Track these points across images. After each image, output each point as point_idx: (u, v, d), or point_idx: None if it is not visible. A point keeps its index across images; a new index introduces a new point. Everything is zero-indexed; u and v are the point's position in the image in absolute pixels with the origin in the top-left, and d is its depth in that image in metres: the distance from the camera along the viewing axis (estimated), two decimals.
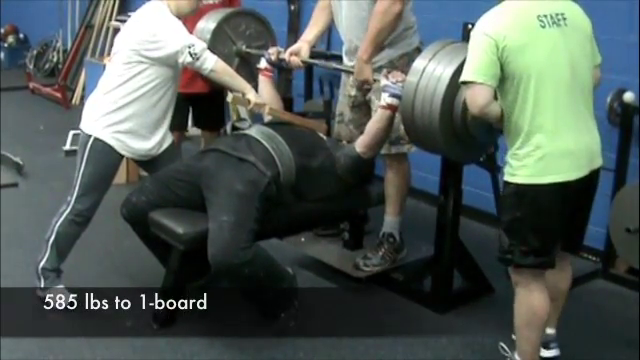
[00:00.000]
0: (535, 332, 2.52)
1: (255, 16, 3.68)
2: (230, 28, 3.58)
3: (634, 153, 3.43)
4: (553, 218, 2.41)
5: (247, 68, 3.52)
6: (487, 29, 2.34)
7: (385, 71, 3.02)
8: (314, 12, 3.46)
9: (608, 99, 3.43)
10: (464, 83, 2.39)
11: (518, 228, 2.41)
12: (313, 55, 3.53)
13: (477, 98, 2.34)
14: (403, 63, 3.12)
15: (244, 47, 3.61)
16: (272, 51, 3.40)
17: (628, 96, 3.39)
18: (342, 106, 3.45)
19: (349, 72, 3.22)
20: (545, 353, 2.71)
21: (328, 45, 4.64)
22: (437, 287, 3.22)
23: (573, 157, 2.37)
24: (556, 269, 2.52)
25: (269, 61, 3.40)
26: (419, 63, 2.72)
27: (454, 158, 2.88)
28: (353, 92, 3.32)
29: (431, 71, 2.67)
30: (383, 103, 2.98)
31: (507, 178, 2.42)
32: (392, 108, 2.96)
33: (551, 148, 2.33)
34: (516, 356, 2.61)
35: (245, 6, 4.02)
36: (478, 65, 2.34)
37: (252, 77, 3.41)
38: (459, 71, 2.53)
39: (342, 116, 3.45)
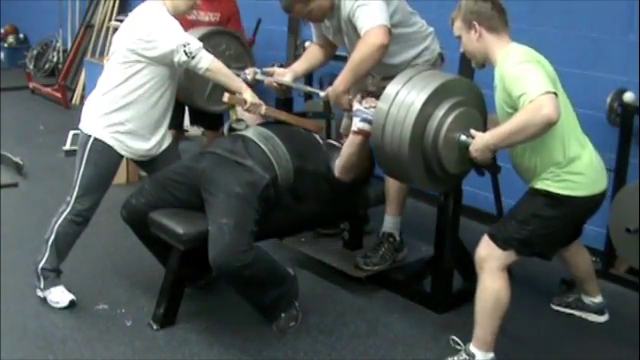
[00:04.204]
0: (497, 320, 2.62)
1: (236, 38, 3.65)
2: (210, 46, 3.55)
3: (634, 153, 3.43)
4: (569, 225, 2.73)
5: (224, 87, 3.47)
6: (529, 57, 2.50)
7: (359, 96, 3.01)
8: (306, 51, 3.51)
9: (608, 99, 3.43)
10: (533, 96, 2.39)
11: (536, 222, 2.60)
12: None
13: (558, 106, 2.35)
14: (426, 68, 3.15)
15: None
16: (249, 71, 3.41)
17: (628, 96, 3.39)
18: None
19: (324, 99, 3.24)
20: (601, 318, 3.11)
21: None
22: (437, 287, 3.22)
23: (602, 173, 2.67)
24: (580, 252, 3.02)
25: (245, 81, 3.38)
26: (391, 89, 2.67)
27: (422, 188, 2.82)
28: (370, 88, 3.31)
29: (402, 98, 2.62)
30: (354, 128, 2.96)
31: (540, 186, 2.60)
32: (363, 133, 2.92)
33: (590, 168, 2.60)
34: (472, 347, 2.67)
35: (230, 28, 4.01)
36: (543, 80, 2.40)
37: None
38: (431, 99, 2.57)
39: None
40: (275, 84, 3.37)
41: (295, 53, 4.58)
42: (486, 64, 2.68)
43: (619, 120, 3.43)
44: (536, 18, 3.87)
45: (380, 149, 2.71)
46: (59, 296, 3.12)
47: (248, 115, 3.23)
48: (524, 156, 2.63)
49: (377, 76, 3.25)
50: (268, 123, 3.25)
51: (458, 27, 2.66)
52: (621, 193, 3.29)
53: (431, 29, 3.24)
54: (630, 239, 3.16)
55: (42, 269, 3.12)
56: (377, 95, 3.12)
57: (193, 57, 2.98)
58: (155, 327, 2.98)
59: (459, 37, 2.68)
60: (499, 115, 2.61)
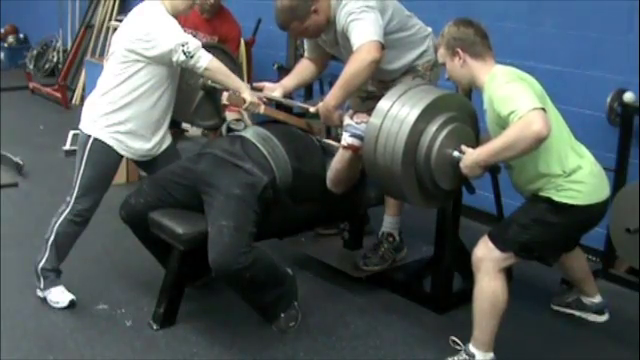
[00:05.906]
0: (496, 320, 2.63)
1: (227, 54, 3.63)
2: None
3: (634, 153, 3.43)
4: (572, 232, 2.75)
5: (211, 102, 3.41)
6: (514, 77, 2.51)
7: (351, 111, 3.00)
8: (297, 66, 3.50)
9: (608, 99, 3.43)
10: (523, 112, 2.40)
11: (537, 228, 2.61)
12: None
13: (547, 121, 2.35)
14: (427, 67, 3.18)
15: (209, 81, 3.37)
16: None
17: (628, 96, 3.39)
18: (352, 99, 3.45)
19: (313, 115, 3.21)
20: (600, 318, 3.12)
21: None
22: (437, 287, 3.23)
23: (603, 181, 2.67)
24: (575, 254, 3.00)
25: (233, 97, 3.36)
26: (384, 103, 2.65)
27: (414, 204, 2.77)
28: (370, 88, 3.31)
29: (396, 112, 2.60)
30: (344, 143, 2.94)
31: (544, 194, 2.60)
32: (353, 148, 2.89)
33: (591, 177, 2.59)
34: (471, 347, 2.68)
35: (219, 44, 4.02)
36: (531, 96, 2.41)
37: (217, 112, 3.37)
38: (424, 114, 2.56)
39: (348, 109, 3.45)
40: (265, 99, 3.36)
41: (295, 53, 4.57)
42: (472, 89, 2.69)
43: (619, 120, 3.43)
44: (536, 18, 3.87)
45: (372, 164, 2.68)
46: (59, 296, 3.12)
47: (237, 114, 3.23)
48: (522, 174, 2.64)
49: (376, 79, 3.25)
50: (266, 123, 3.25)
51: (442, 54, 2.68)
52: (621, 193, 3.28)
53: (429, 29, 3.24)
54: (630, 239, 3.16)
55: (42, 269, 3.12)
56: (377, 96, 3.13)
57: (192, 56, 2.98)
58: (155, 327, 2.98)
59: (443, 64, 2.69)
60: (492, 137, 2.59)
